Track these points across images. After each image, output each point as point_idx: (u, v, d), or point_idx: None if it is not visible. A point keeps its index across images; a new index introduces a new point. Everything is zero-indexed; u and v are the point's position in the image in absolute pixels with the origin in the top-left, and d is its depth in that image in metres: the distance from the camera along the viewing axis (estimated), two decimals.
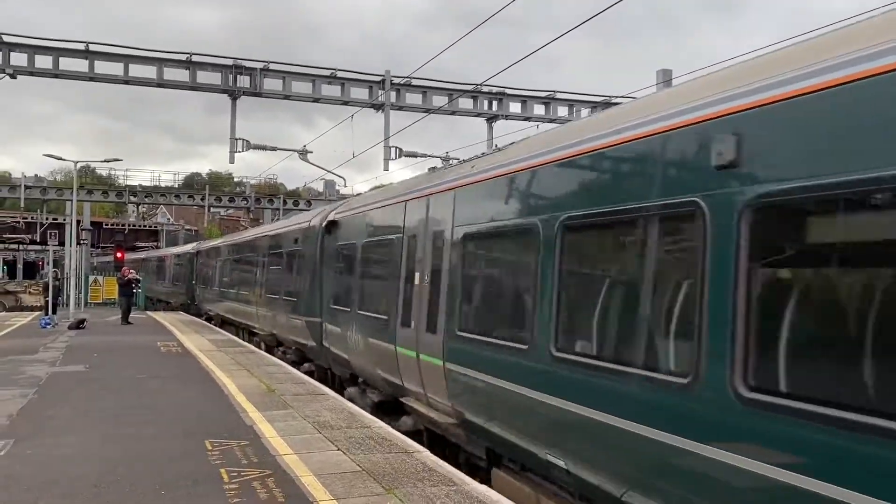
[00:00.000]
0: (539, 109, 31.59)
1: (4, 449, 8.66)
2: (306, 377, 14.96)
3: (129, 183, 56.48)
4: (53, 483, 7.30)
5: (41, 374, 14.64)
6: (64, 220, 48.25)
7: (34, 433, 9.50)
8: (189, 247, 41.70)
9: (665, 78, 22.71)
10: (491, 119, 31.37)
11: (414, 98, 30.18)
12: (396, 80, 29.31)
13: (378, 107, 29.27)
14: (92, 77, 27.11)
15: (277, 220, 35.90)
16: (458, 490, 7.07)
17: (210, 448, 8.66)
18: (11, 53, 26.04)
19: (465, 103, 31.06)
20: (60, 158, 33.95)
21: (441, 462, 8.24)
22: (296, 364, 17.36)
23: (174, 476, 7.51)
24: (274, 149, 31.85)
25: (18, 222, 60.51)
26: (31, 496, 6.91)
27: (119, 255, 46.25)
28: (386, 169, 30.12)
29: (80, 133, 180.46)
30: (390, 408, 11.53)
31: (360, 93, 29.57)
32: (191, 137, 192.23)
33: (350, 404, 11.85)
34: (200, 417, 10.54)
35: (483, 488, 7.26)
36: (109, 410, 11.15)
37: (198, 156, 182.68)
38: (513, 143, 9.50)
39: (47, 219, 56.59)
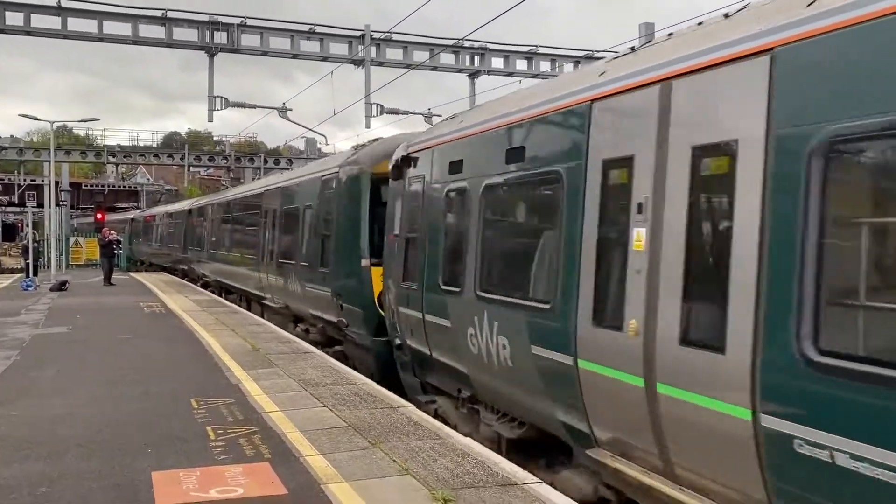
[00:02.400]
0: (521, 64, 31.26)
1: None
2: (291, 336, 15.02)
3: (107, 143, 55.76)
4: (41, 443, 7.34)
5: (24, 336, 14.61)
6: (42, 181, 47.65)
7: (19, 395, 9.51)
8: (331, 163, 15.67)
9: (647, 31, 22.50)
10: (473, 75, 31.05)
11: (395, 53, 29.78)
12: (376, 35, 28.89)
13: (358, 63, 28.85)
14: (65, 35, 26.53)
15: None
16: (443, 443, 7.19)
17: (196, 407, 8.72)
18: None
19: (447, 59, 30.67)
20: (36, 119, 33.33)
21: (426, 417, 8.36)
22: None
23: (161, 434, 7.57)
24: (253, 106, 31.48)
25: None
26: (18, 455, 6.95)
27: (100, 216, 45.86)
28: (367, 126, 29.70)
29: (55, 91, 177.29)
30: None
31: (339, 48, 29.13)
32: (168, 94, 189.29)
33: (335, 362, 11.94)
34: (185, 377, 10.59)
35: (467, 441, 7.38)
36: (94, 371, 11.18)
37: (176, 113, 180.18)
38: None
39: (25, 180, 55.84)
